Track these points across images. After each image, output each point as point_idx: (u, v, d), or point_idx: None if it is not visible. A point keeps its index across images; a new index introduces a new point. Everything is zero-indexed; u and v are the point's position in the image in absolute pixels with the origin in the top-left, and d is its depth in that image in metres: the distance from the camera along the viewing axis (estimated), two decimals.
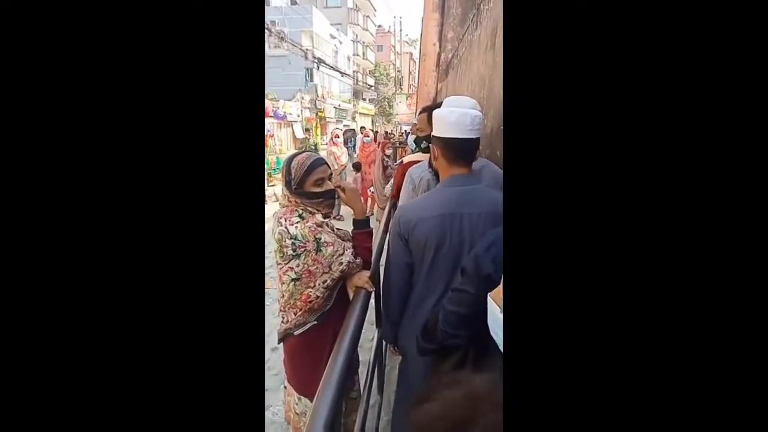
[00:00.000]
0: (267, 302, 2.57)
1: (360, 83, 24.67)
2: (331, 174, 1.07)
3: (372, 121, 25.49)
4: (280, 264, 0.98)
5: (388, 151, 4.47)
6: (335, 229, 1.10)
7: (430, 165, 1.14)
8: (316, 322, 1.06)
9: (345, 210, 4.39)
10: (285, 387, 1.20)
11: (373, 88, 26.78)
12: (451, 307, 0.76)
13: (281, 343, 1.10)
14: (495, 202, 0.97)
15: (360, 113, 24.18)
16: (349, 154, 7.72)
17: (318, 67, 15.90)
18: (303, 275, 0.97)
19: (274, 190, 6.22)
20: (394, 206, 2.04)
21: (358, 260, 1.06)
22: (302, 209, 1.03)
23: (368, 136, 5.97)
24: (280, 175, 1.10)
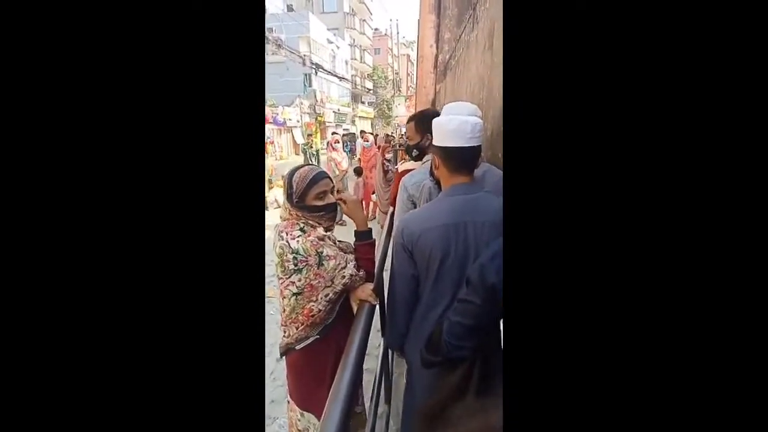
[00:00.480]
0: (271, 311, 2.56)
1: (358, 87, 24.75)
2: (333, 187, 1.06)
3: (372, 124, 25.55)
4: (281, 278, 0.97)
5: (389, 155, 4.46)
6: (337, 242, 1.09)
7: (431, 173, 1.13)
8: (318, 336, 1.05)
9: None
10: (288, 401, 1.19)
11: (371, 91, 26.88)
12: (456, 318, 0.74)
13: (283, 357, 1.09)
14: (498, 209, 0.95)
15: (359, 116, 24.26)
16: (350, 159, 7.75)
17: (316, 73, 15.96)
18: (305, 289, 0.95)
19: (275, 194, 6.23)
20: (392, 213, 2.04)
21: (360, 273, 1.05)
22: (303, 222, 1.02)
23: (368, 141, 5.97)
24: (281, 182, 1.10)
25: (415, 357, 1.08)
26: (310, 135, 10.18)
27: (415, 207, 1.33)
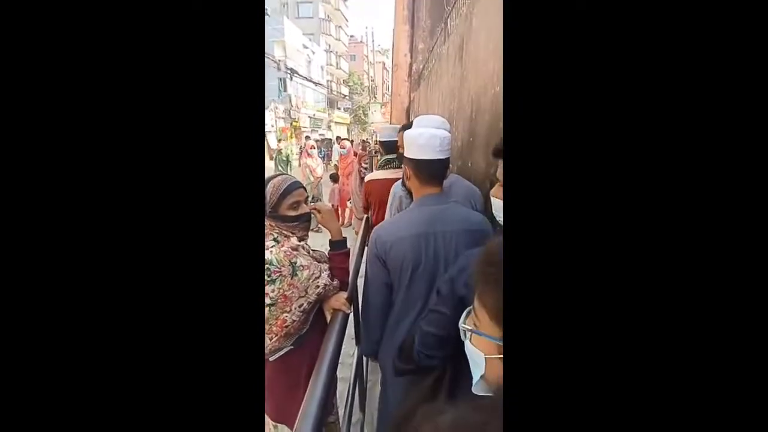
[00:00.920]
0: None
1: (334, 92, 24.71)
2: (308, 197, 1.07)
3: (348, 130, 25.54)
4: None
5: (365, 164, 4.50)
6: (311, 251, 1.10)
7: (404, 183, 1.17)
8: (292, 347, 1.05)
9: None
10: None
11: (347, 97, 26.89)
12: (428, 328, 0.77)
13: None
14: (465, 219, 1.00)
15: (335, 122, 24.18)
16: (325, 165, 7.70)
17: (291, 78, 15.82)
18: (278, 300, 0.96)
19: None
20: (366, 220, 2.07)
21: (335, 282, 1.06)
22: (277, 233, 1.02)
23: (344, 148, 5.98)
24: None
25: (388, 364, 1.10)
26: (280, 141, 10.00)
27: None
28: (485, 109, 1.63)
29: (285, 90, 16.15)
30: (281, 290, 0.95)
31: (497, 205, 0.78)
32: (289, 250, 0.98)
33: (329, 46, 24.54)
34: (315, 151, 5.88)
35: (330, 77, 24.70)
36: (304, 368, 1.04)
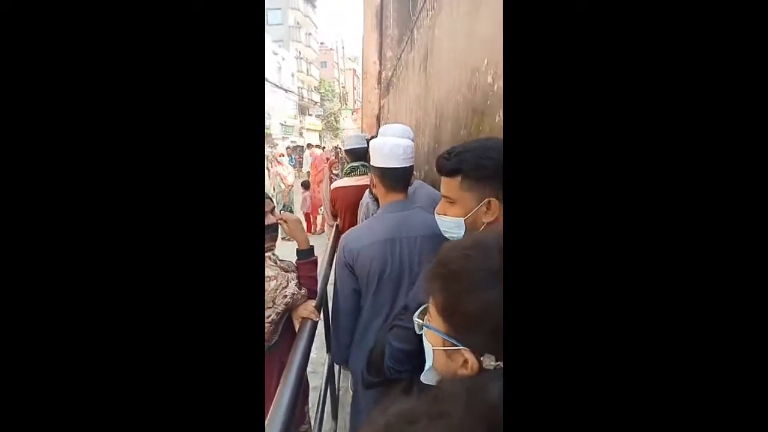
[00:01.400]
0: None
1: (305, 99, 24.53)
2: (273, 208, 1.07)
3: (320, 137, 25.38)
4: None
5: (336, 171, 4.50)
6: (278, 261, 1.10)
7: (370, 191, 1.19)
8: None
9: None
10: None
11: (318, 104, 26.76)
12: (398, 344, 0.77)
13: None
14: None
15: (307, 129, 23.98)
16: (296, 172, 7.60)
17: None
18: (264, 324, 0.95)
19: None
20: (336, 227, 2.08)
21: (302, 291, 1.06)
22: None
23: (313, 156, 5.96)
24: None
25: (359, 369, 1.11)
26: None
27: None
28: (448, 117, 1.69)
29: None
30: None
31: (441, 223, 0.78)
32: None
33: (299, 53, 24.38)
34: (285, 159, 5.81)
35: (301, 84, 24.52)
36: (274, 379, 1.03)
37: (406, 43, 3.25)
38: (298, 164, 9.56)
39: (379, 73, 5.82)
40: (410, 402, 0.33)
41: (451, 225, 0.76)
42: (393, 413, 0.32)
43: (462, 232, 0.76)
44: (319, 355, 1.87)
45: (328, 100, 27.54)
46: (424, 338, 0.48)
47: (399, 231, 1.02)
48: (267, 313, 0.99)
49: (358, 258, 1.01)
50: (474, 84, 1.31)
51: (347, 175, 2.01)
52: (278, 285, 1.00)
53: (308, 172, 6.23)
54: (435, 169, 0.81)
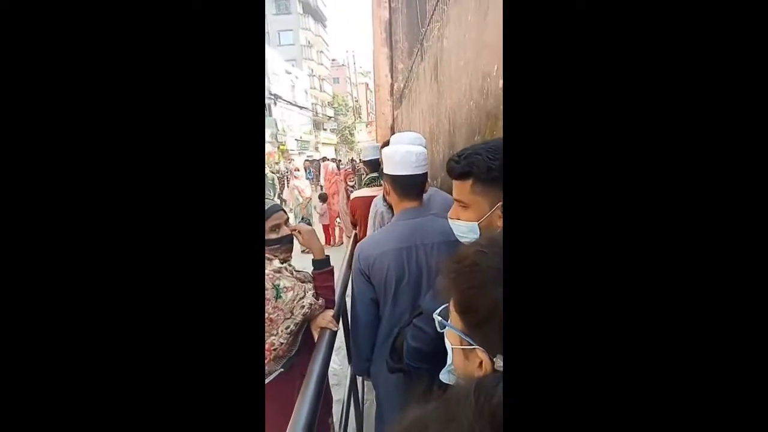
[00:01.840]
0: None
1: (319, 115, 25.06)
2: (287, 219, 1.09)
3: (335, 150, 25.79)
4: None
5: (351, 182, 4.54)
6: (294, 272, 1.11)
7: (384, 199, 1.19)
8: (282, 370, 1.04)
9: None
10: None
11: (332, 118, 27.26)
12: (413, 343, 0.79)
13: None
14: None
15: (322, 143, 24.43)
16: (315, 185, 7.73)
17: (276, 103, 16.03)
18: (264, 323, 0.96)
19: None
20: (355, 237, 2.09)
21: (320, 301, 1.06)
22: None
23: (325, 169, 6.07)
24: None
25: (382, 382, 1.10)
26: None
27: None
28: (461, 123, 1.68)
29: (270, 115, 16.34)
30: (266, 313, 0.95)
31: (455, 227, 0.78)
32: (272, 272, 0.99)
33: (312, 70, 25.04)
34: (301, 173, 5.92)
35: (315, 100, 25.10)
36: (296, 392, 1.02)
37: (417, 54, 3.28)
38: (315, 178, 9.74)
39: (391, 85, 5.89)
40: (424, 409, 0.32)
41: (465, 229, 0.75)
42: (407, 422, 0.31)
43: (477, 236, 0.75)
44: (343, 366, 1.85)
45: (342, 114, 28.04)
46: (445, 337, 0.48)
47: (415, 238, 1.01)
48: (285, 324, 0.99)
49: (373, 265, 1.01)
50: (486, 89, 1.31)
51: (367, 185, 2.03)
52: (295, 296, 1.00)
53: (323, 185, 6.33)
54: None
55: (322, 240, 4.77)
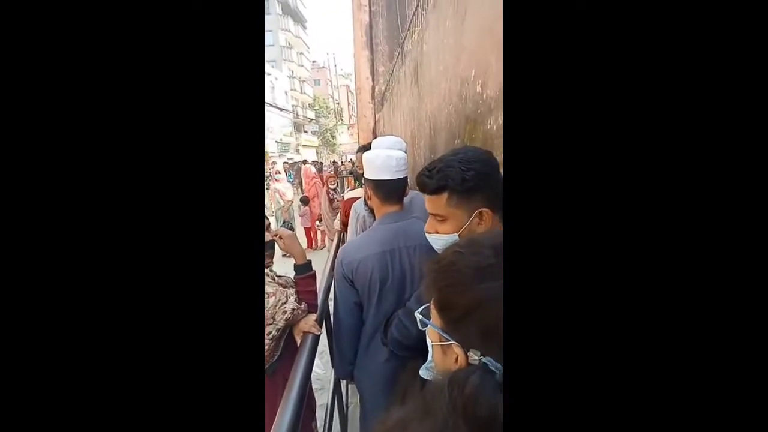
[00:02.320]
0: None
1: (300, 117, 24.84)
2: (269, 225, 1.08)
3: (317, 153, 25.61)
4: None
5: (333, 185, 4.53)
6: (276, 278, 1.10)
7: (366, 203, 1.20)
8: (266, 375, 1.03)
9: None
10: None
11: (314, 120, 27.07)
12: (396, 334, 0.81)
13: None
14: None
15: (303, 145, 24.21)
16: (296, 188, 7.64)
17: None
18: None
19: None
20: (342, 238, 2.10)
21: (302, 306, 1.06)
22: None
23: (306, 172, 6.06)
24: None
25: (366, 382, 1.10)
26: None
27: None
28: (441, 127, 1.71)
29: None
30: None
31: (434, 241, 0.77)
32: None
33: (292, 72, 24.80)
34: (281, 176, 5.86)
35: (295, 102, 24.86)
36: (279, 397, 1.02)
37: (397, 58, 3.31)
38: (296, 180, 9.64)
39: (373, 88, 5.91)
40: (404, 409, 0.33)
41: (444, 243, 0.75)
42: (389, 424, 0.32)
43: None
44: (327, 371, 1.84)
45: (324, 116, 27.88)
46: (426, 335, 0.49)
47: (397, 241, 1.02)
48: (267, 330, 0.99)
49: (357, 269, 1.01)
50: (464, 94, 1.34)
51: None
52: (277, 301, 1.00)
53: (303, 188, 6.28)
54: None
55: (304, 244, 4.73)
